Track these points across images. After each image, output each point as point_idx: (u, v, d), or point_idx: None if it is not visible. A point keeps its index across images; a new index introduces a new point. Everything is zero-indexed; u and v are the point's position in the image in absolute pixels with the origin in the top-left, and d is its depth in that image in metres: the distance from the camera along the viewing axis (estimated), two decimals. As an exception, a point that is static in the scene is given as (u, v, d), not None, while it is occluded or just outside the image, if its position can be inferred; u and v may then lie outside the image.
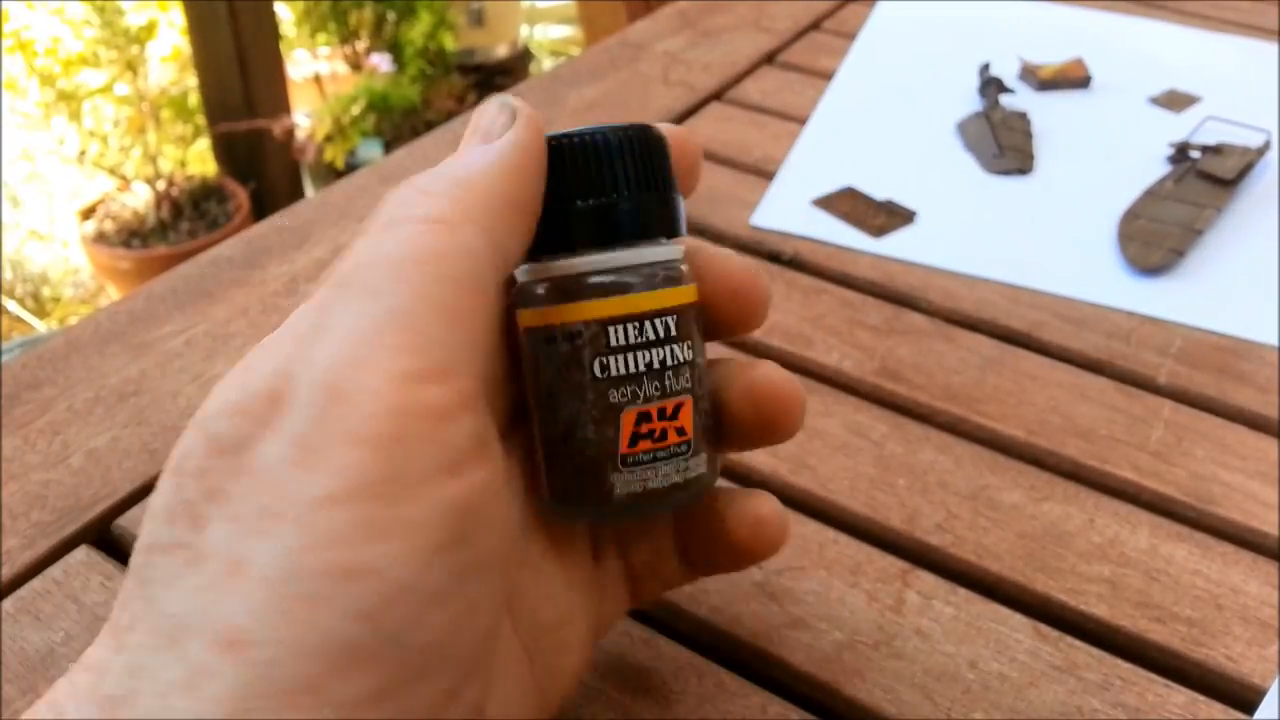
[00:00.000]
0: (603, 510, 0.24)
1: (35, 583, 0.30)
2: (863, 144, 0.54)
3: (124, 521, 0.32)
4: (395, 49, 2.07)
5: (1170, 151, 0.53)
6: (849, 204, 0.48)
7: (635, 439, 0.23)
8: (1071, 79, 0.60)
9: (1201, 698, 0.28)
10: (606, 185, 0.23)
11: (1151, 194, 0.49)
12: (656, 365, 0.23)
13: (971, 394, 0.38)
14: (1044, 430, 0.37)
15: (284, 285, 0.42)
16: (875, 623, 0.30)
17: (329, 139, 1.79)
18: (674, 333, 0.23)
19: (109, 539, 0.32)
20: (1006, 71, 0.60)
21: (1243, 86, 0.60)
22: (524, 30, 2.51)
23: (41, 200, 1.94)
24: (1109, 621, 0.30)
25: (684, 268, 0.24)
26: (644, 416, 0.23)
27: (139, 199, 1.71)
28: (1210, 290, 0.44)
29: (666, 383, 0.23)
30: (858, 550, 0.32)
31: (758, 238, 0.46)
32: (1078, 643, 0.29)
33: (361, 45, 2.07)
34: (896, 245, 0.46)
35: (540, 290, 0.23)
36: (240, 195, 1.72)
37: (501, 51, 2.38)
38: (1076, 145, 0.54)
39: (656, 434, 0.23)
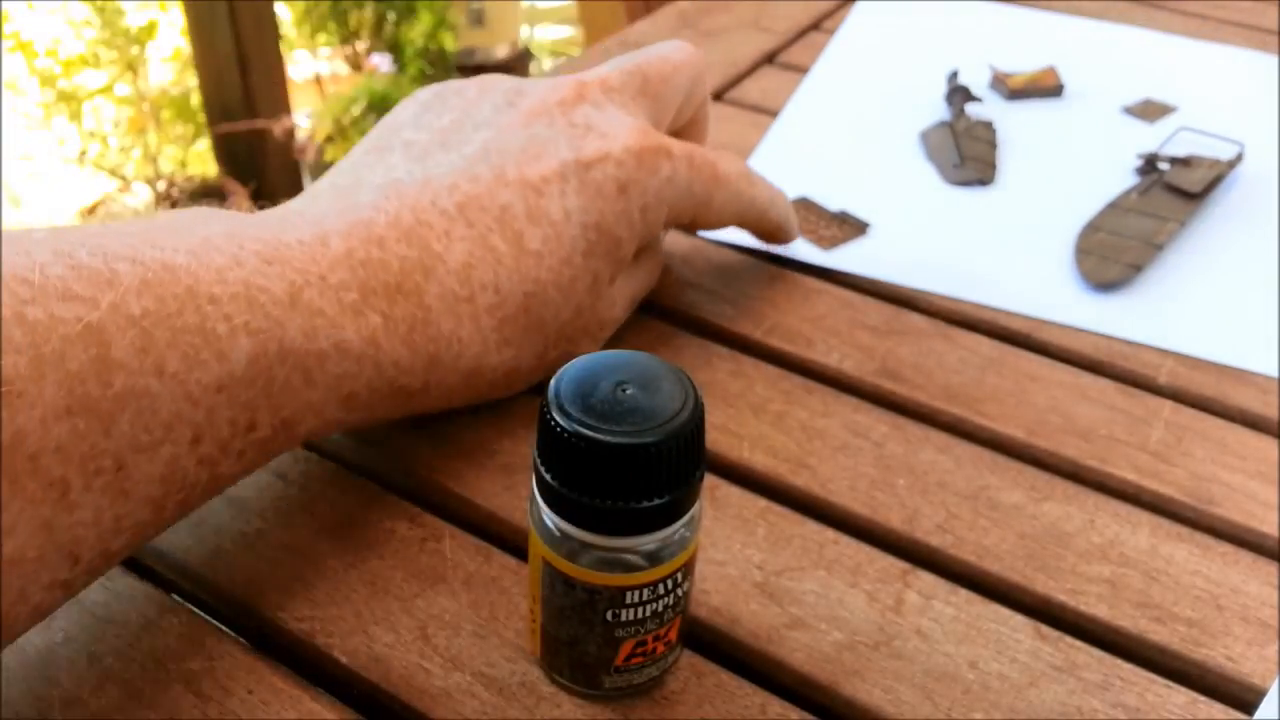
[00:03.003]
0: (589, 694, 0.27)
1: (35, 583, 0.30)
2: (824, 151, 0.52)
3: (124, 522, 0.32)
4: (395, 49, 2.07)
5: (1139, 163, 0.51)
6: (800, 214, 0.47)
7: (630, 657, 0.26)
8: (1043, 88, 0.58)
9: (1201, 698, 0.28)
10: (663, 487, 0.23)
11: (1114, 206, 0.48)
12: (661, 609, 0.25)
13: (971, 394, 0.38)
14: (1044, 430, 0.37)
15: (284, 285, 0.42)
16: (875, 623, 0.30)
17: (329, 139, 1.79)
18: (679, 582, 0.25)
19: (109, 539, 0.32)
20: (978, 80, 0.59)
21: (1221, 96, 0.59)
22: (524, 30, 2.51)
23: (42, 201, 1.94)
24: (1109, 621, 0.30)
25: (694, 525, 0.25)
26: (641, 643, 0.26)
27: (140, 199, 1.71)
28: (1165, 308, 0.43)
29: (665, 616, 0.25)
30: (858, 550, 0.32)
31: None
32: (1078, 643, 0.29)
33: (362, 45, 2.07)
34: (847, 258, 0.45)
35: (570, 548, 0.24)
36: (240, 195, 1.72)
37: (501, 52, 2.39)
38: (1043, 156, 0.53)
39: (649, 649, 0.26)
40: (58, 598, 0.24)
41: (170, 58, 1.77)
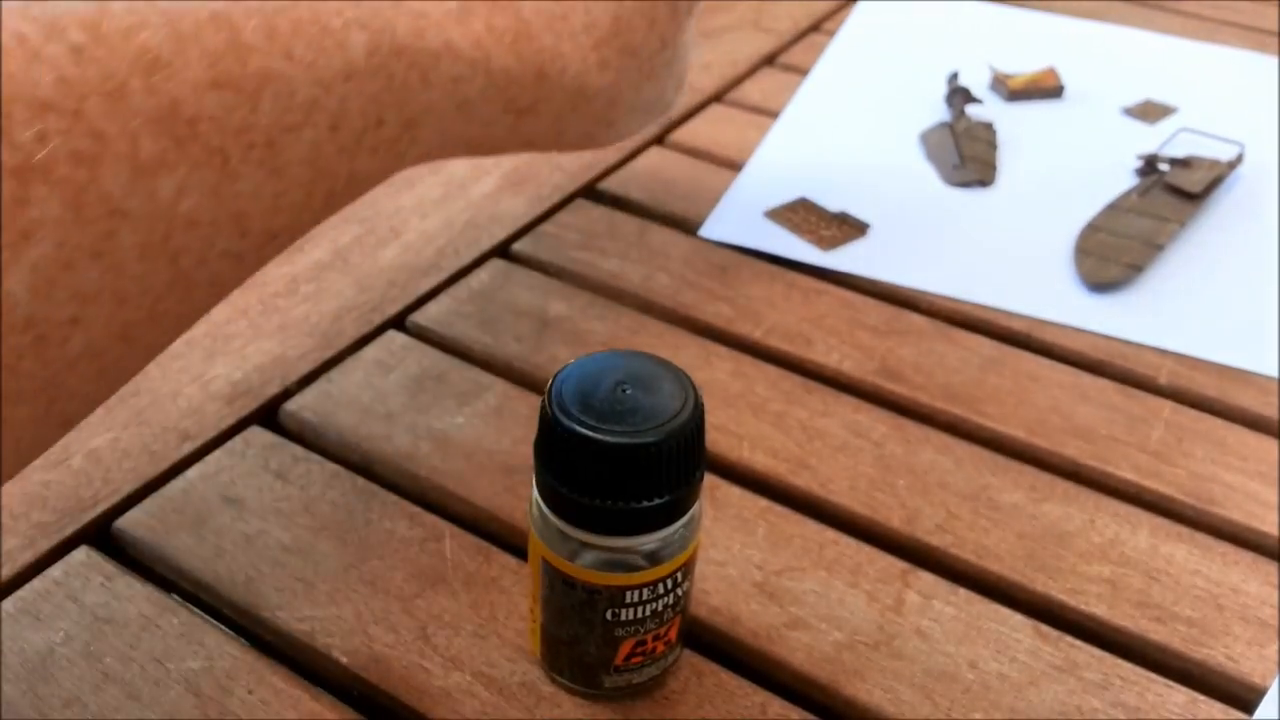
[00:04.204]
0: (589, 694, 0.27)
1: (35, 583, 0.30)
2: (824, 152, 0.52)
3: (124, 522, 0.32)
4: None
5: (1139, 164, 0.51)
6: (800, 215, 0.47)
7: (630, 656, 0.26)
8: (1043, 89, 0.58)
9: (1201, 698, 0.28)
10: (663, 487, 0.23)
11: (1114, 207, 0.48)
12: (661, 609, 0.25)
13: (971, 394, 0.38)
14: (1044, 430, 0.37)
15: (284, 286, 0.42)
16: (875, 623, 0.30)
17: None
18: (679, 582, 0.25)
19: (109, 539, 0.32)
20: (978, 80, 0.59)
21: (1221, 97, 0.59)
22: (524, 32, 2.50)
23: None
24: (1109, 621, 0.30)
25: (694, 525, 0.25)
26: (641, 642, 0.26)
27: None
28: (1165, 308, 0.43)
29: (665, 616, 0.25)
30: (858, 550, 0.32)
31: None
32: (1078, 643, 0.29)
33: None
34: (846, 259, 0.45)
35: (570, 548, 0.24)
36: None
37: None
38: (1043, 157, 0.53)
39: (649, 649, 0.26)
40: (229, 268, 0.25)
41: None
